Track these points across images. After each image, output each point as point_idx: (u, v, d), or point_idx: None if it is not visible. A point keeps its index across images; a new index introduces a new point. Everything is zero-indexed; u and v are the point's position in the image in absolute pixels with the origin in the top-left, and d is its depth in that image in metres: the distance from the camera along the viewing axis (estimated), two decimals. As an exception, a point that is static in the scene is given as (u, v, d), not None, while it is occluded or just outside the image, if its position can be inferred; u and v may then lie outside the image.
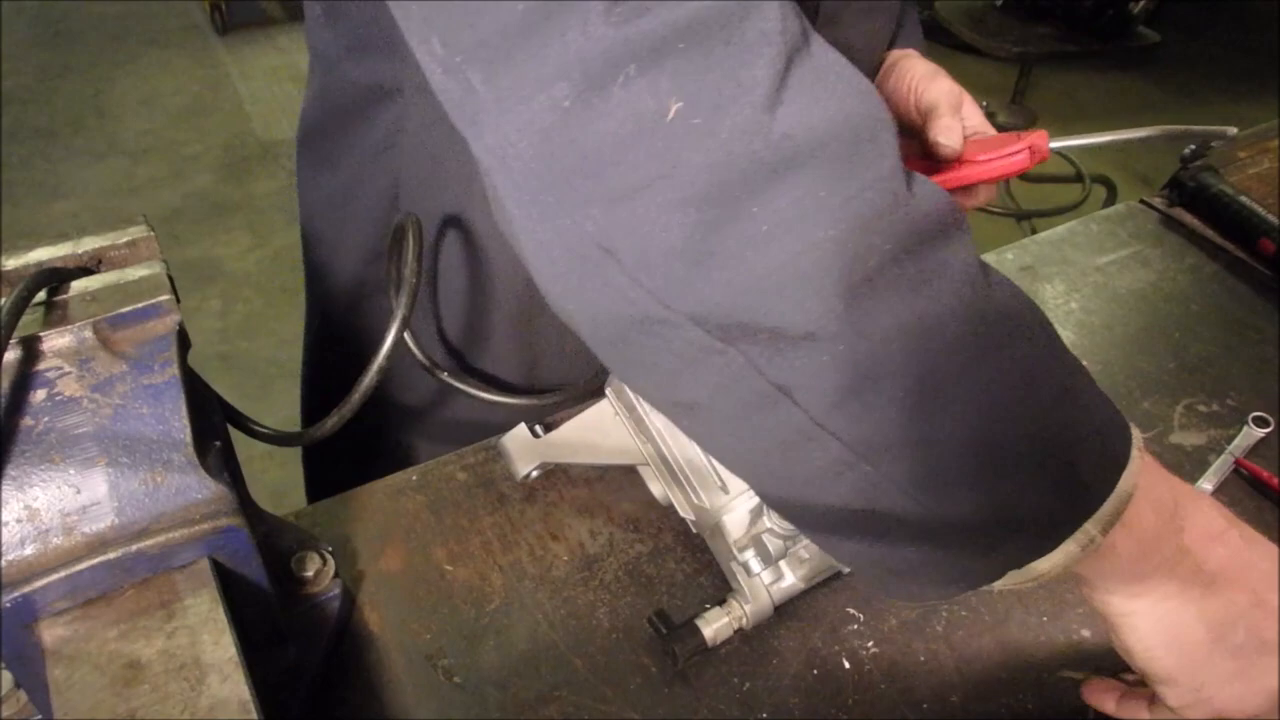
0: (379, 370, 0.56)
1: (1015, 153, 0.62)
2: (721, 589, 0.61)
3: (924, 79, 0.69)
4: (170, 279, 0.47)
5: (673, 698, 0.57)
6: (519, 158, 0.35)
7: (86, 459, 0.42)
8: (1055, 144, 0.66)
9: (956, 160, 0.64)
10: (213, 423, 0.51)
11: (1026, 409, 0.39)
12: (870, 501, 0.39)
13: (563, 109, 0.33)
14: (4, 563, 0.40)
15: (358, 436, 0.88)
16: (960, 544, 0.41)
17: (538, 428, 0.66)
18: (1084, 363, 0.64)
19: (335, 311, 0.83)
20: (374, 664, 0.58)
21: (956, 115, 0.66)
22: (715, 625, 0.57)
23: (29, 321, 0.43)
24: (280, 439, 0.58)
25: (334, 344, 0.86)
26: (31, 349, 0.43)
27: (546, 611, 0.61)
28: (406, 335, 0.57)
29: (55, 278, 0.46)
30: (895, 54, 0.75)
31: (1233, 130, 0.72)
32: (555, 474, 0.70)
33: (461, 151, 0.39)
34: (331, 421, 0.57)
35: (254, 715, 0.38)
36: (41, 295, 0.45)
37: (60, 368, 0.43)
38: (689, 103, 0.33)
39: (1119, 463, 0.41)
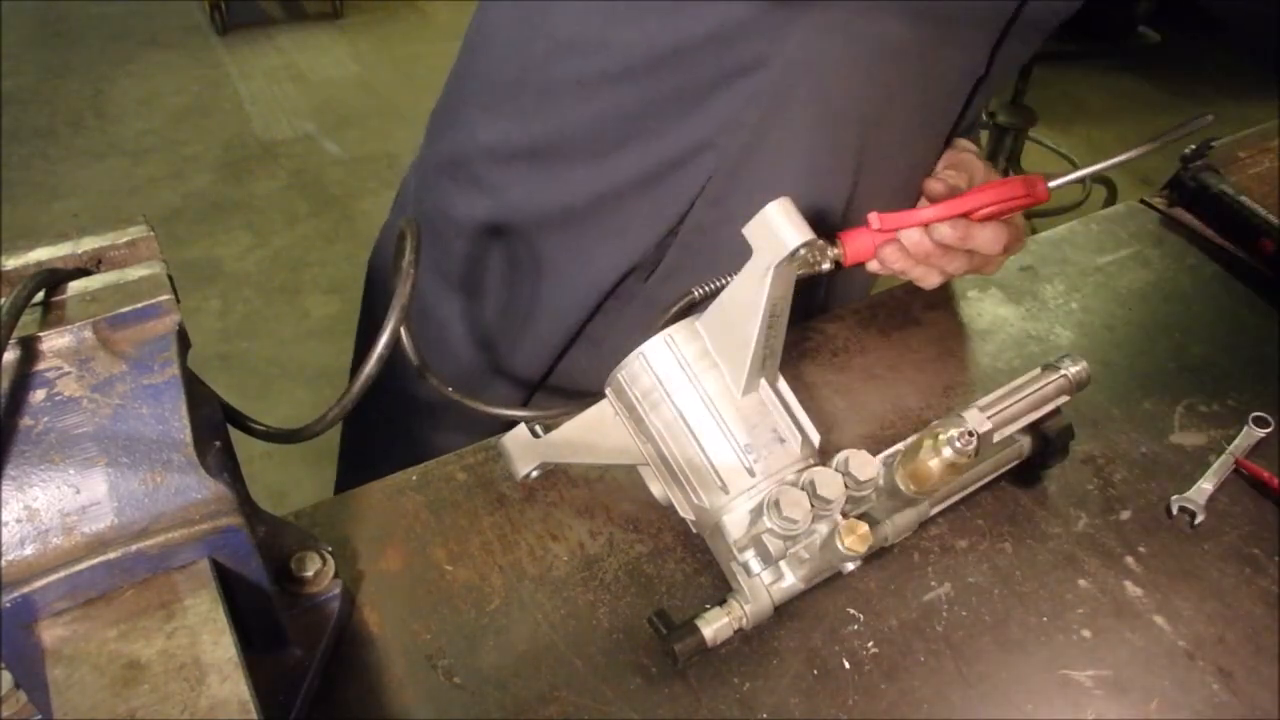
0: (379, 360, 0.56)
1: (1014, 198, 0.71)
2: (721, 589, 0.61)
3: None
4: (170, 279, 0.47)
5: (673, 698, 0.57)
6: None
7: (86, 459, 0.42)
8: (1053, 183, 0.73)
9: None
10: (213, 423, 0.51)
11: None
12: None
13: None
14: (4, 563, 0.40)
15: (397, 433, 0.88)
16: None
17: (537, 428, 0.66)
18: (1085, 362, 0.65)
19: (570, 319, 0.84)
20: (374, 664, 0.58)
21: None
22: (715, 625, 0.57)
23: (28, 321, 0.43)
24: (279, 436, 0.58)
25: (569, 345, 0.86)
26: (31, 349, 0.43)
27: (546, 611, 0.61)
28: (403, 331, 0.56)
29: (55, 278, 0.46)
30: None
31: (1209, 117, 0.73)
32: (555, 474, 0.70)
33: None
34: (332, 414, 0.57)
35: (254, 715, 0.38)
36: (41, 295, 0.45)
37: (60, 368, 0.43)
38: None
39: None
